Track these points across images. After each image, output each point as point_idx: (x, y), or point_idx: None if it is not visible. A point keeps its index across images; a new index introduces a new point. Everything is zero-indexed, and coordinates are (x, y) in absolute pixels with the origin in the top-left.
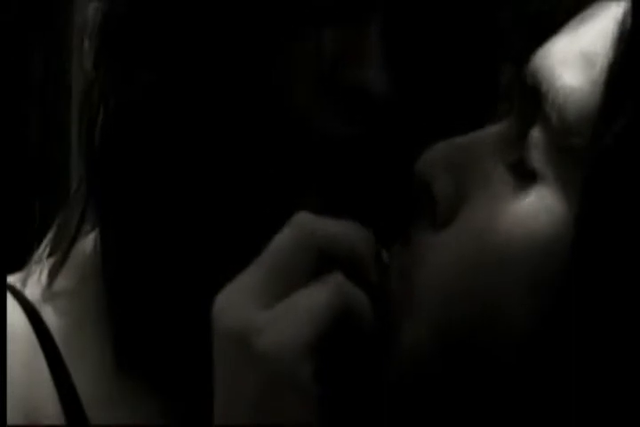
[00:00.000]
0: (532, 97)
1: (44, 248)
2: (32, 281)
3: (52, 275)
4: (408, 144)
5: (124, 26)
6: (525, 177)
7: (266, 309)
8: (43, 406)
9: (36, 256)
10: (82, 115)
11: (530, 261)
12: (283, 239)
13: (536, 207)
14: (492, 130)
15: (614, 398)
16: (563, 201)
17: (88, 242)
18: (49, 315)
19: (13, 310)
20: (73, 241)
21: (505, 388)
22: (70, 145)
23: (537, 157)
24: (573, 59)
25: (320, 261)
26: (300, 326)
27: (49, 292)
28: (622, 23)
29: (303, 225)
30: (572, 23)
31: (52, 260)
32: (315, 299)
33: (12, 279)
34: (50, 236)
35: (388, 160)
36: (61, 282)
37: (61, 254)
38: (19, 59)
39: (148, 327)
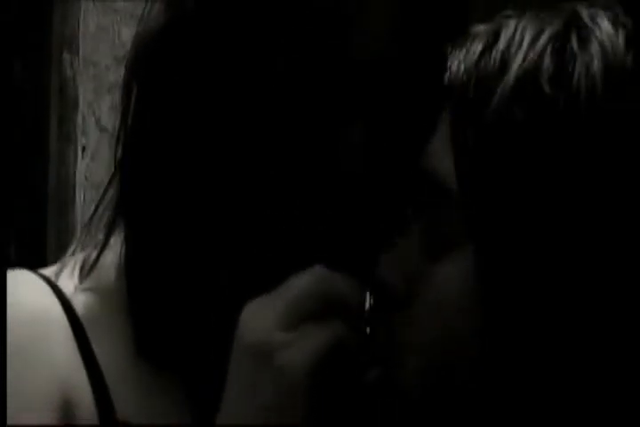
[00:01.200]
0: (432, 192)
1: (75, 244)
2: (64, 275)
3: (83, 274)
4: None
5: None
6: (441, 254)
7: (285, 333)
8: (78, 385)
9: (69, 251)
10: (118, 138)
11: (466, 306)
12: (304, 284)
13: (453, 274)
14: (412, 231)
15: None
16: (471, 265)
17: (115, 243)
18: (78, 306)
19: (52, 300)
20: (103, 247)
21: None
22: (49, 146)
23: (445, 238)
24: (446, 149)
25: (327, 305)
26: (309, 351)
27: (79, 287)
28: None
29: (320, 277)
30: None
31: (82, 256)
32: (320, 335)
33: (48, 272)
34: (79, 236)
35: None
36: (89, 279)
37: (93, 258)
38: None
39: (164, 319)
